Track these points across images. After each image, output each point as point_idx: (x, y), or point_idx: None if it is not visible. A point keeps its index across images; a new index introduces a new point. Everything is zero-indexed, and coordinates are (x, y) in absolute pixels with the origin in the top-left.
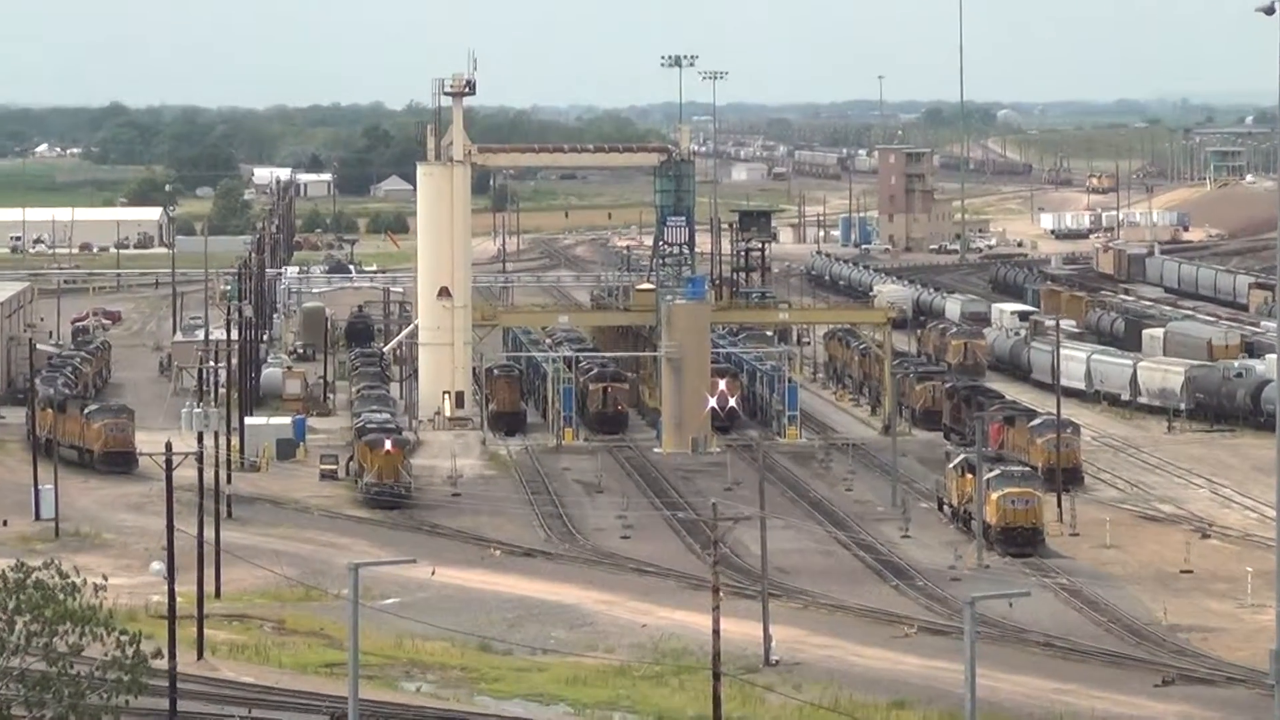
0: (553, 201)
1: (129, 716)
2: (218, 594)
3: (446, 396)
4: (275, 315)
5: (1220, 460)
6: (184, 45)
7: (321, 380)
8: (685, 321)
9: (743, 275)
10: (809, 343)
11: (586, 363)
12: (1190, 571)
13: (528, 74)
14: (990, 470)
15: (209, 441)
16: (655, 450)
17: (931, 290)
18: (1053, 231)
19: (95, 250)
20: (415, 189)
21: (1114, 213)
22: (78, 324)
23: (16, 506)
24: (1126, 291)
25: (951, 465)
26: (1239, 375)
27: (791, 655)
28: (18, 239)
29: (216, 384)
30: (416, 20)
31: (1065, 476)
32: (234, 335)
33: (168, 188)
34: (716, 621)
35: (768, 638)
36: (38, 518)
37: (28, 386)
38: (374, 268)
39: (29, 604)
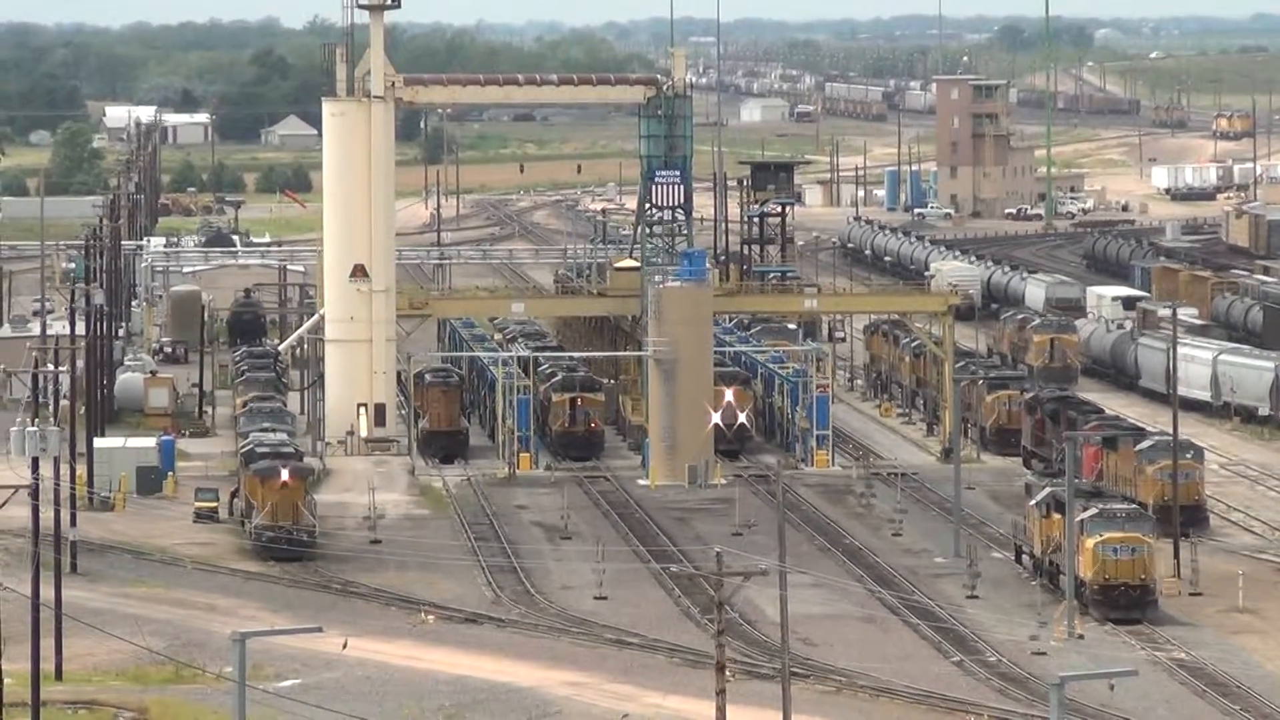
0: (503, 151)
1: None
2: (59, 674)
3: (362, 411)
4: (135, 302)
5: None
6: None
7: (196, 389)
8: (680, 311)
9: (756, 249)
10: (844, 339)
11: (548, 366)
12: None
13: None
14: (1085, 509)
15: (47, 470)
16: (640, 483)
17: (1007, 269)
18: (1168, 190)
19: None
20: (320, 134)
21: (1249, 165)
22: None
23: None
24: (1266, 270)
25: (1033, 502)
26: None
27: None
28: None
29: (57, 394)
30: None
31: (1185, 517)
32: (80, 329)
33: None
34: (722, 710)
35: None
36: None
37: None
38: (266, 239)
39: None
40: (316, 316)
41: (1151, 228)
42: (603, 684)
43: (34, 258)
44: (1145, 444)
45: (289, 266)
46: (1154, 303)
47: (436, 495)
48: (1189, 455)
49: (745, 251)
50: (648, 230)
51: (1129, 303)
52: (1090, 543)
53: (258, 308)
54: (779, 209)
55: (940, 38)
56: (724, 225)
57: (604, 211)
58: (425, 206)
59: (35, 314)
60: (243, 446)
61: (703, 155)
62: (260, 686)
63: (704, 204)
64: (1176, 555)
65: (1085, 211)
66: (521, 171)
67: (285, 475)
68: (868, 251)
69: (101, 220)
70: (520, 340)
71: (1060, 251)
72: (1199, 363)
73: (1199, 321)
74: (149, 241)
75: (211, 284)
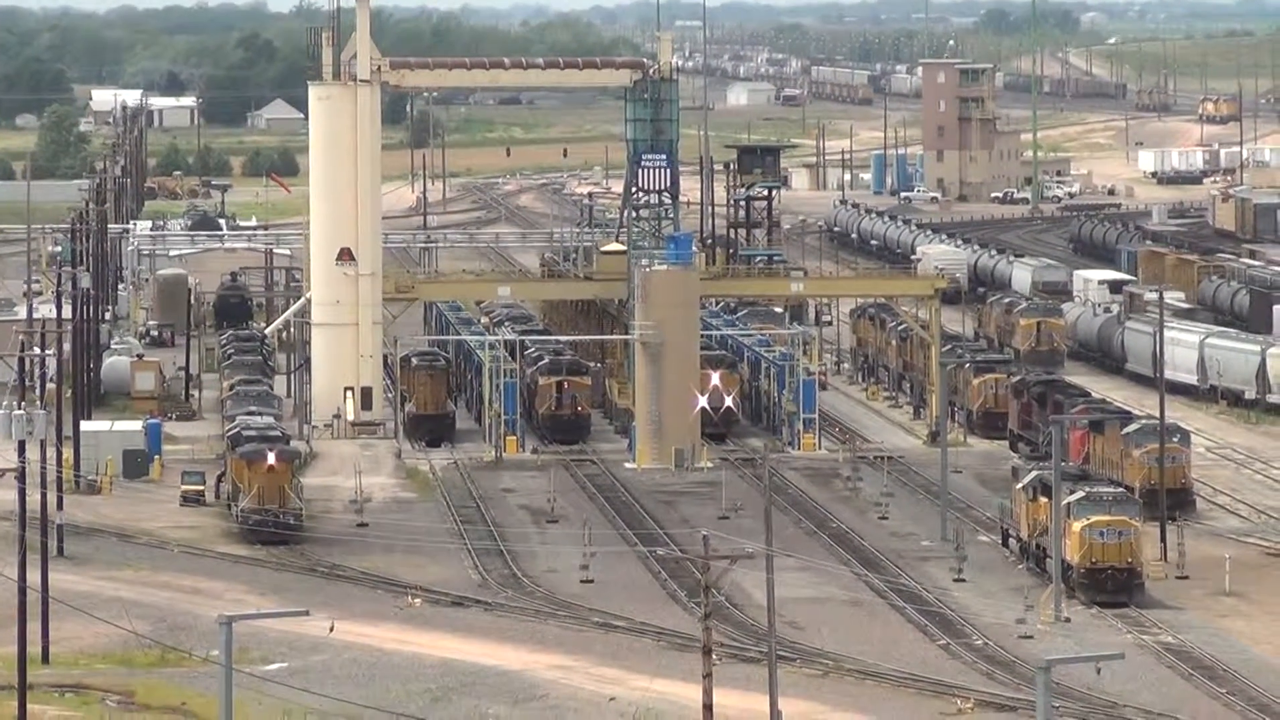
0: (490, 134)
1: None
2: (45, 658)
3: (349, 394)
4: (121, 286)
5: None
6: None
7: (183, 372)
8: (666, 294)
9: (743, 232)
10: (831, 322)
11: (535, 349)
12: None
13: None
14: (1072, 492)
15: (33, 454)
16: (627, 466)
17: (994, 253)
18: (1154, 174)
19: None
20: (306, 117)
21: (1235, 149)
22: None
23: None
24: (1252, 254)
25: (1020, 486)
26: None
27: None
28: None
29: (43, 377)
30: None
31: (1171, 500)
32: (66, 312)
33: None
34: (708, 693)
35: (775, 715)
36: None
37: None
38: (252, 222)
39: None
40: (303, 300)
41: (1138, 211)
42: (589, 667)
43: (20, 241)
44: (1132, 427)
45: (275, 250)
46: (1140, 286)
47: (423, 478)
48: (1175, 439)
49: (731, 235)
50: (634, 214)
51: (1115, 286)
52: (1077, 526)
53: (244, 291)
54: (765, 193)
55: (926, 21)
56: (710, 209)
57: (590, 195)
58: (411, 190)
59: (24, 295)
60: (229, 430)
61: (689, 139)
62: (247, 669)
63: (690, 188)
64: (1163, 539)
65: (1072, 195)
66: (508, 155)
67: (271, 458)
68: (854, 235)
69: (88, 204)
70: (507, 324)
71: (1046, 235)
72: (1185, 346)
73: (1185, 305)
74: (135, 225)
75: (198, 267)
